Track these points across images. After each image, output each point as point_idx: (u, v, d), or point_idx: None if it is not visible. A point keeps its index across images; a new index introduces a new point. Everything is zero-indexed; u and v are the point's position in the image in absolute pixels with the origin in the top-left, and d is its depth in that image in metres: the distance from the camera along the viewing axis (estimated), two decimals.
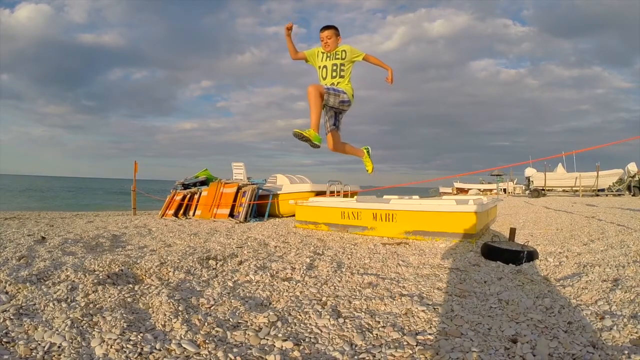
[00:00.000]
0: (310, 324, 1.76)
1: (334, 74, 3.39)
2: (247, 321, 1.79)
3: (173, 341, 1.52)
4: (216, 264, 2.94)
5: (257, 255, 3.39)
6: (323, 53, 3.43)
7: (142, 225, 6.12)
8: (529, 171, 26.07)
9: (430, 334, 1.64)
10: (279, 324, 1.75)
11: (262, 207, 8.01)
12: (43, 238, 4.20)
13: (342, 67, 3.40)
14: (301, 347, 1.52)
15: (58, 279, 2.35)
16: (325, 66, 3.43)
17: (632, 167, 22.81)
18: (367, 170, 3.57)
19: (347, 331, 1.68)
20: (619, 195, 20.93)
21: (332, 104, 3.22)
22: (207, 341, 1.53)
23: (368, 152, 3.60)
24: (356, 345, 1.54)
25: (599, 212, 8.44)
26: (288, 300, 2.11)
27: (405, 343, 1.56)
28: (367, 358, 1.44)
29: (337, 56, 3.40)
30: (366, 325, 1.74)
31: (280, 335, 1.62)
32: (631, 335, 1.61)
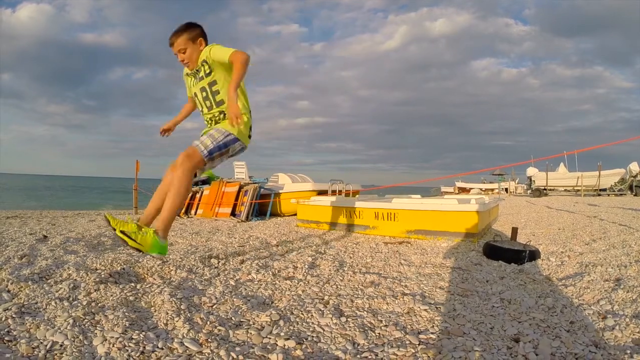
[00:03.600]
0: (312, 323, 1.76)
1: (207, 103, 2.43)
2: (249, 320, 1.79)
3: (175, 340, 1.52)
4: (218, 263, 2.95)
5: (259, 254, 3.39)
6: (188, 75, 2.50)
7: None
8: (531, 171, 26.05)
9: (432, 333, 1.64)
10: (281, 322, 1.75)
11: (263, 206, 8.01)
12: (45, 237, 4.21)
13: (213, 88, 2.38)
14: (303, 346, 1.52)
15: (60, 278, 2.35)
16: (195, 94, 2.49)
17: (634, 166, 22.78)
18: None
19: (350, 330, 1.67)
20: (621, 195, 20.90)
21: (218, 164, 2.38)
22: (209, 340, 1.53)
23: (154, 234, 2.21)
24: (358, 344, 1.54)
25: (601, 212, 8.42)
26: (290, 299, 2.11)
27: (407, 342, 1.56)
28: (369, 357, 1.44)
29: (200, 74, 2.39)
30: (368, 324, 1.74)
31: (282, 334, 1.62)
32: (633, 334, 1.60)
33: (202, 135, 2.43)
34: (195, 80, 2.45)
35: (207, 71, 2.38)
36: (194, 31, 2.39)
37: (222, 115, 2.41)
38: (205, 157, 2.28)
